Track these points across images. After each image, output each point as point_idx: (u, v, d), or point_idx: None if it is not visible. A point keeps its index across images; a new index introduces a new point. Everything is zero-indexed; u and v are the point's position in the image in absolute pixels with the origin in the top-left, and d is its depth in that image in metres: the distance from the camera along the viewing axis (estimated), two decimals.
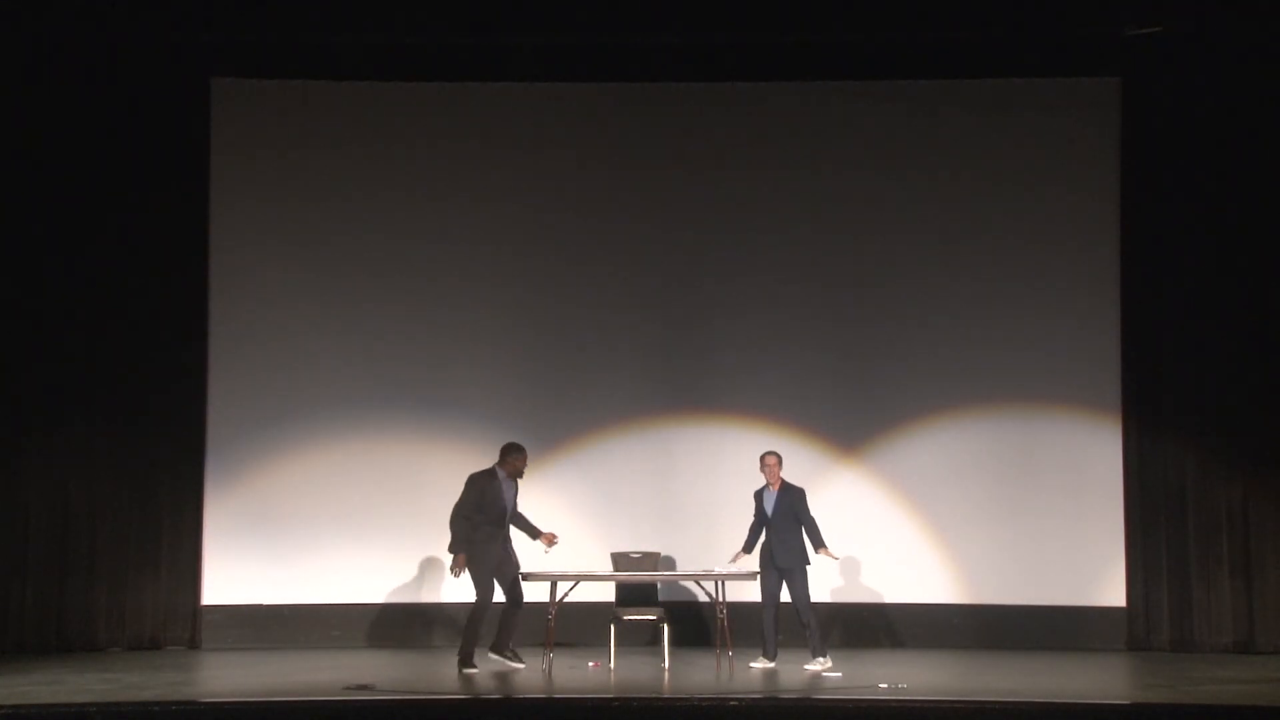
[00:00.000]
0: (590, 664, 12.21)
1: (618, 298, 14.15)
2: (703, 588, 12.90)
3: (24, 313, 13.67)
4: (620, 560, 12.51)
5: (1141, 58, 13.80)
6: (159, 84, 13.88)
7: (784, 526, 12.09)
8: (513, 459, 12.09)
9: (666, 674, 11.76)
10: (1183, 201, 13.73)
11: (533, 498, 13.18)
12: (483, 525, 11.87)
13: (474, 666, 11.72)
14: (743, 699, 10.45)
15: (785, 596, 12.11)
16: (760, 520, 12.25)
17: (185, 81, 13.96)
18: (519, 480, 12.16)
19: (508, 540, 12.01)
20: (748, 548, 12.29)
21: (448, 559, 11.97)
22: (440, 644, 13.56)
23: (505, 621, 11.95)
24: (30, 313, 13.67)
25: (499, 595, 11.92)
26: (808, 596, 12.04)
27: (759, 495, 12.30)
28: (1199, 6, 13.43)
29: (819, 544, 12.07)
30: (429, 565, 13.72)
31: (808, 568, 12.09)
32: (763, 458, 12.29)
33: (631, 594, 12.57)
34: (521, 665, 11.87)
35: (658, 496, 13.95)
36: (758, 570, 12.18)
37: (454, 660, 11.89)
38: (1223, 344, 13.58)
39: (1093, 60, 13.98)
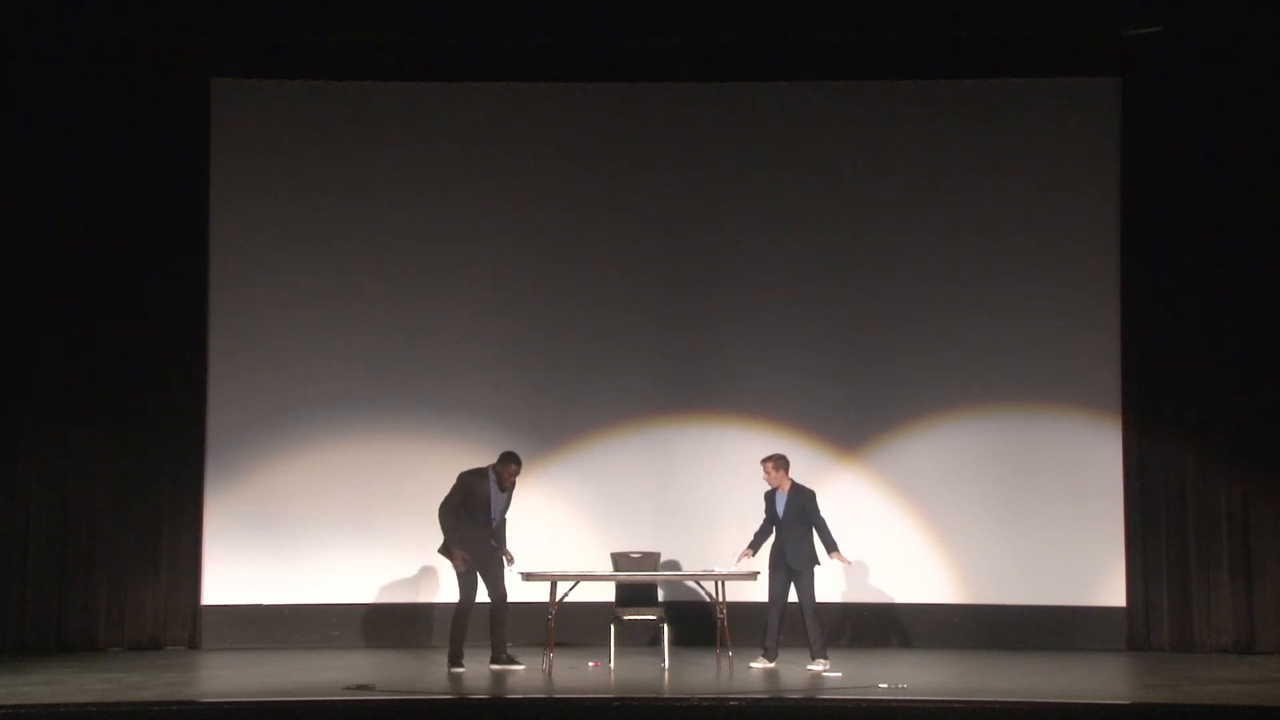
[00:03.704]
0: (590, 664, 12.21)
1: (617, 298, 14.14)
2: (703, 588, 12.89)
3: (24, 312, 13.67)
4: (620, 560, 12.50)
5: (1141, 58, 13.79)
6: (159, 84, 13.88)
7: (795, 528, 12.08)
8: (502, 466, 12.09)
9: (666, 674, 11.76)
10: (1183, 201, 13.72)
11: (534, 498, 13.24)
12: (467, 521, 11.88)
13: (461, 666, 11.74)
14: (743, 699, 10.45)
15: (793, 597, 12.11)
16: (770, 521, 12.24)
17: (185, 81, 13.95)
18: (510, 490, 12.13)
19: (495, 539, 12.01)
20: (754, 548, 12.28)
21: (442, 559, 11.99)
22: (440, 644, 13.49)
23: (495, 626, 11.94)
24: (30, 312, 13.67)
25: (482, 595, 11.91)
26: (813, 598, 12.03)
27: (769, 496, 12.29)
28: (1199, 6, 13.44)
29: (831, 548, 12.06)
30: (429, 565, 13.70)
31: (816, 569, 12.08)
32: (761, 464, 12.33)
33: (631, 594, 12.57)
34: (521, 666, 11.88)
35: (658, 496, 13.95)
36: (758, 571, 12.18)
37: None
38: (1223, 344, 13.58)
39: (1093, 60, 13.98)
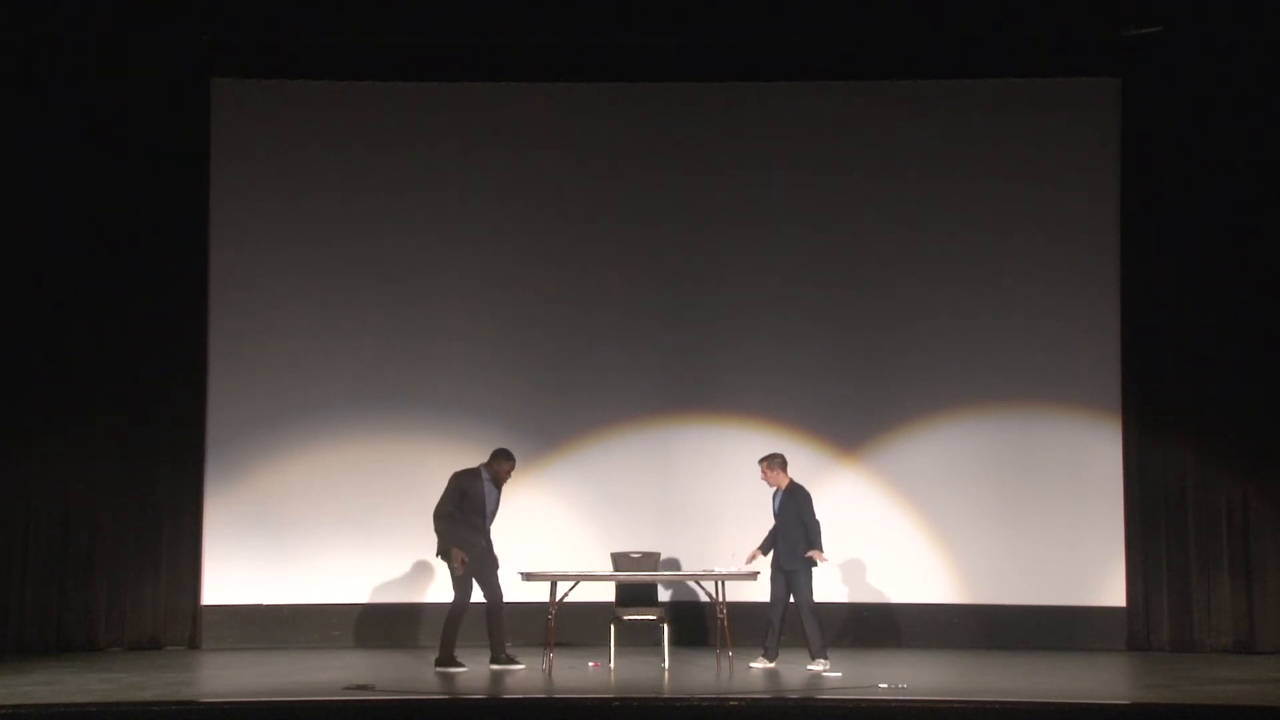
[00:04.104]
0: (590, 664, 12.21)
1: (617, 298, 14.14)
2: (703, 588, 12.90)
3: (24, 313, 13.67)
4: (620, 560, 12.50)
5: (1141, 58, 13.80)
6: (159, 84, 13.88)
7: (788, 528, 12.07)
8: (498, 464, 12.08)
9: (666, 674, 11.76)
10: (1183, 202, 13.73)
11: (533, 498, 13.25)
12: (463, 522, 11.87)
13: (459, 666, 11.72)
14: (743, 699, 10.44)
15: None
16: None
17: (185, 81, 13.95)
18: (501, 486, 12.11)
19: (488, 540, 12.00)
20: (764, 548, 12.27)
21: (439, 562, 11.99)
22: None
23: (492, 626, 11.92)
24: (30, 313, 13.67)
25: (477, 595, 11.90)
26: (810, 599, 12.01)
27: (773, 497, 12.29)
28: (1199, 6, 13.45)
29: (812, 545, 12.03)
30: (428, 565, 13.69)
31: (813, 569, 12.06)
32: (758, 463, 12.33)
33: (631, 594, 12.56)
34: (521, 666, 11.88)
35: (658, 496, 13.94)
36: (758, 571, 12.17)
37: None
38: (1222, 344, 13.58)
39: (1093, 60, 13.98)
